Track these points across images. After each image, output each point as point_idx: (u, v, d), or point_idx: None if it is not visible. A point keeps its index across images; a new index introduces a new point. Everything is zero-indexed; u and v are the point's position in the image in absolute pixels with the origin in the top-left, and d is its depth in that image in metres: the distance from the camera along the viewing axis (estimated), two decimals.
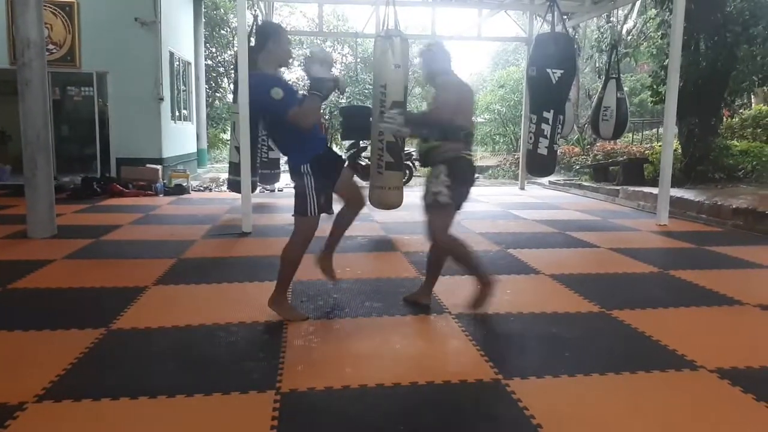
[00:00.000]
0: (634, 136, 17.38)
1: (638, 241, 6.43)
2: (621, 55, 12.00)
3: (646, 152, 12.50)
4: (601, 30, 15.69)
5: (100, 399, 2.55)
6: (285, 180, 10.15)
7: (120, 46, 10.74)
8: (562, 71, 6.90)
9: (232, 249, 5.81)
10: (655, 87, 10.88)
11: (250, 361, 3.03)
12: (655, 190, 8.03)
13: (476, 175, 3.93)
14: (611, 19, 14.59)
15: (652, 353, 3.16)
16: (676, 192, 8.40)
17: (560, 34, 7.42)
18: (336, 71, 3.89)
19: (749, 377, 2.85)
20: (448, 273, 4.85)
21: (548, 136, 7.00)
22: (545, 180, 12.26)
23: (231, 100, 10.01)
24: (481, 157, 24.61)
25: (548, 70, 6.84)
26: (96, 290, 4.28)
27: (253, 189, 8.11)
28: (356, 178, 4.39)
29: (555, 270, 4.92)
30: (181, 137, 13.18)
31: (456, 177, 3.61)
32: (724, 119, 12.22)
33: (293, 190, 3.60)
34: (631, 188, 9.74)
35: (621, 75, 10.29)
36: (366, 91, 20.01)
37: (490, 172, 17.39)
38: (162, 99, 11.20)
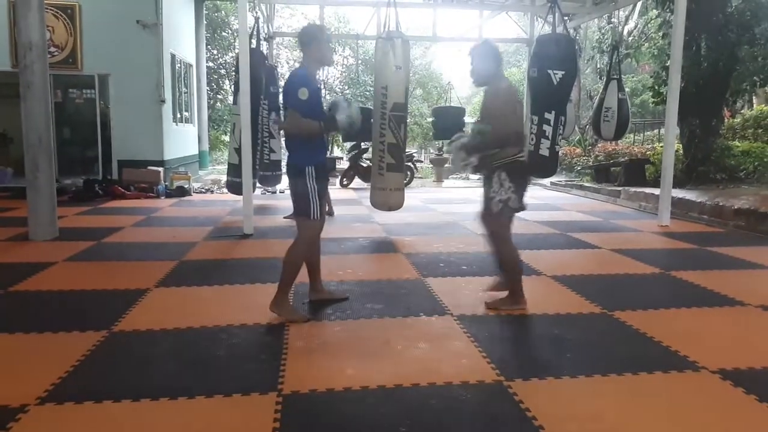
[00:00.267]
0: (636, 137, 17.35)
1: (640, 242, 6.42)
2: (622, 55, 12.01)
3: (648, 153, 12.47)
4: (602, 31, 15.69)
5: (102, 401, 2.55)
6: (286, 182, 10.17)
7: (122, 49, 10.76)
8: (563, 72, 6.90)
9: (234, 251, 5.82)
10: (656, 88, 10.87)
11: (251, 362, 3.03)
12: (656, 191, 8.02)
13: (530, 178, 3.97)
14: (612, 20, 14.60)
15: (653, 354, 3.15)
16: (678, 193, 8.39)
17: (561, 35, 7.42)
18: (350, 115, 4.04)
19: (751, 378, 2.84)
20: (449, 274, 4.87)
21: (550, 137, 7.00)
22: (547, 181, 12.25)
23: (232, 102, 10.01)
24: None
25: (549, 71, 6.84)
26: (98, 292, 4.29)
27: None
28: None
29: (557, 271, 4.91)
30: (182, 139, 13.20)
31: (517, 180, 3.67)
32: (726, 120, 12.21)
33: (293, 192, 3.64)
34: (633, 189, 9.73)
35: (622, 76, 10.28)
36: (367, 93, 20.03)
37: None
38: (163, 101, 11.21)
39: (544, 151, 7.04)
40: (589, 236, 6.56)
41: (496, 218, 3.77)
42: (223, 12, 21.74)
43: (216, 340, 3.31)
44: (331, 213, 7.24)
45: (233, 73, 12.33)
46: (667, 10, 10.30)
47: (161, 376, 2.86)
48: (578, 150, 15.70)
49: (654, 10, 12.73)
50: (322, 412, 2.51)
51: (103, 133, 11.16)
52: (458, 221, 7.62)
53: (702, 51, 9.98)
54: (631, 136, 16.73)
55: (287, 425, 2.37)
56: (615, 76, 9.82)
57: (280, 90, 8.16)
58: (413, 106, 22.37)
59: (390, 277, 4.77)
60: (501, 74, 3.78)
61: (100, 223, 7.36)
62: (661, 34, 11.62)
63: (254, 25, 8.89)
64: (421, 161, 16.90)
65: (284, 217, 7.65)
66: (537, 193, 11.60)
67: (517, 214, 3.85)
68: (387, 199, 6.70)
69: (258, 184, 9.32)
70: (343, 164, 12.49)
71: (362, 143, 11.76)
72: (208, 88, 18.38)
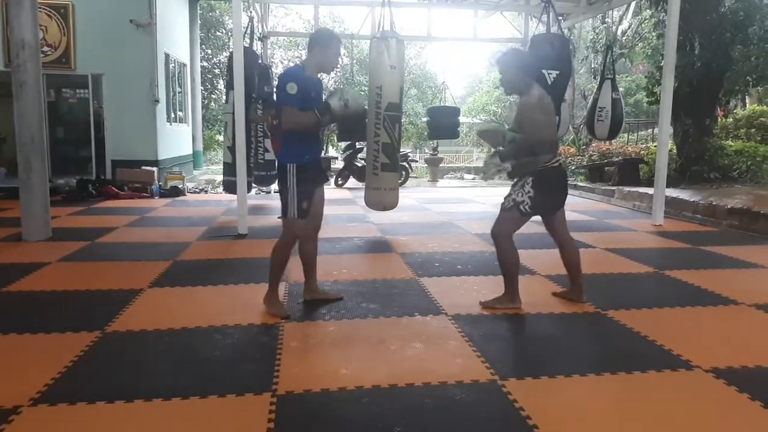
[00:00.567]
0: (630, 137, 17.41)
1: (634, 241, 6.45)
2: (616, 55, 12.04)
3: (642, 152, 12.52)
4: (597, 31, 15.75)
5: (95, 402, 2.54)
6: None
7: (115, 48, 10.72)
8: (557, 72, 6.92)
9: (228, 251, 5.81)
10: (650, 87, 10.91)
11: (246, 363, 3.02)
12: (650, 191, 8.05)
13: (567, 180, 3.98)
14: (606, 20, 14.65)
15: (647, 353, 3.16)
16: (672, 192, 8.43)
17: (555, 35, 7.44)
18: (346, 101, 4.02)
19: (744, 377, 2.86)
20: (444, 274, 4.87)
21: None
22: None
23: (226, 101, 10.00)
24: (477, 158, 24.60)
25: (544, 71, 6.85)
26: (91, 293, 4.27)
27: (248, 190, 8.09)
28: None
29: (551, 270, 4.92)
30: (176, 139, 13.16)
31: (542, 188, 3.67)
32: (719, 119, 12.26)
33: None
34: (627, 188, 9.77)
35: (616, 76, 10.31)
36: (362, 93, 20.02)
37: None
38: (157, 101, 11.18)
39: None
40: (583, 235, 6.57)
41: (503, 213, 3.78)
42: (217, 11, 21.71)
43: (210, 341, 3.30)
44: None
45: (227, 73, 12.31)
46: (661, 10, 10.35)
47: (155, 376, 2.85)
48: (572, 149, 15.73)
49: (648, 10, 12.78)
50: (316, 412, 2.51)
51: (97, 133, 11.12)
52: (453, 221, 7.63)
53: (695, 51, 10.02)
54: (625, 135, 16.79)
55: (282, 426, 2.37)
56: (609, 76, 9.85)
57: (273, 89, 8.18)
58: (408, 106, 22.38)
59: (385, 277, 4.77)
60: (531, 82, 3.73)
61: (94, 223, 7.33)
62: (654, 34, 11.67)
63: (248, 25, 8.87)
64: (416, 161, 16.89)
65: (278, 217, 7.63)
66: None
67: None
68: (382, 199, 6.70)
69: (253, 184, 9.30)
70: (338, 164, 12.49)
71: (357, 143, 11.75)
72: (202, 87, 18.34)
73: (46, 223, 6.25)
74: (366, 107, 4.11)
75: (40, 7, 6.80)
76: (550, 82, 6.88)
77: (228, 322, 3.58)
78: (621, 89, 11.38)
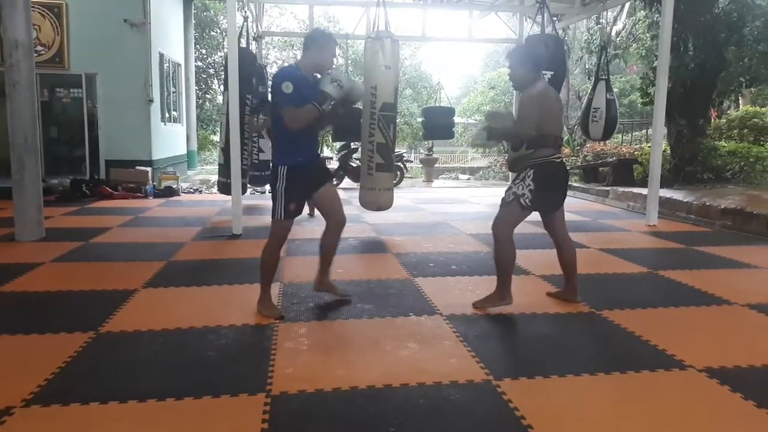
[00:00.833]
0: (624, 137, 17.46)
1: (628, 241, 6.47)
2: (610, 56, 12.08)
3: (636, 153, 12.56)
4: (591, 32, 15.79)
5: (88, 403, 2.53)
6: None
7: (109, 48, 10.67)
8: (552, 73, 6.94)
9: (223, 251, 5.79)
10: (644, 88, 10.95)
11: (240, 363, 3.01)
12: (644, 191, 8.08)
13: (567, 179, 3.98)
14: (601, 20, 14.68)
15: (641, 353, 3.17)
16: (665, 193, 8.46)
17: (550, 35, 7.47)
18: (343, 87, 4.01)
19: (738, 376, 2.87)
20: (439, 274, 4.88)
21: None
22: None
23: (221, 101, 9.98)
24: (471, 158, 24.63)
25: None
26: (85, 293, 4.25)
27: (243, 191, 8.07)
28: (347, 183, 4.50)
29: (545, 270, 4.94)
30: (170, 139, 13.12)
31: (542, 182, 3.67)
32: (712, 120, 12.32)
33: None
34: (621, 189, 9.80)
35: (610, 76, 10.34)
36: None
37: (481, 173, 17.46)
38: (152, 101, 11.14)
39: None
40: (577, 236, 6.57)
41: (503, 207, 3.78)
42: (211, 11, 21.65)
43: (204, 341, 3.29)
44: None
45: (222, 73, 12.28)
46: (655, 11, 10.38)
47: (149, 377, 2.84)
48: (567, 150, 15.77)
49: (642, 11, 12.82)
50: (311, 412, 2.50)
51: (91, 133, 11.07)
52: (448, 221, 7.63)
53: (689, 52, 10.07)
54: (620, 136, 16.84)
55: (276, 426, 2.36)
56: (603, 77, 9.88)
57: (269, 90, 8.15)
58: (403, 106, 22.40)
59: (380, 277, 4.76)
60: (538, 77, 3.75)
61: (88, 223, 7.30)
62: (648, 35, 11.70)
63: (243, 25, 8.86)
64: (411, 161, 16.92)
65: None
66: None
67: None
68: (376, 199, 6.70)
69: (248, 185, 9.28)
70: (333, 164, 12.48)
71: (352, 143, 11.74)
72: (196, 87, 18.29)
73: (40, 223, 6.22)
74: (361, 86, 4.08)
75: (33, 7, 6.77)
76: None
77: (222, 323, 3.57)
78: (615, 90, 11.40)
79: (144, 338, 3.35)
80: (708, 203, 7.71)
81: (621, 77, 22.50)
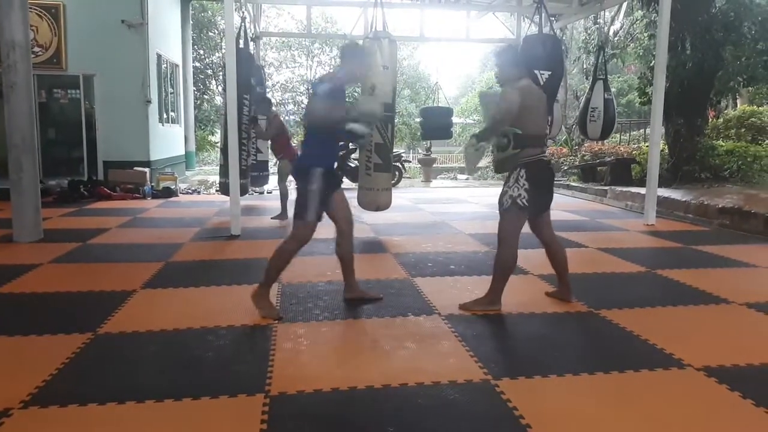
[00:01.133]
0: (622, 137, 17.47)
1: (626, 240, 6.47)
2: (608, 56, 12.08)
3: (634, 152, 12.57)
4: (589, 31, 15.80)
5: (86, 404, 2.53)
6: (273, 182, 10.13)
7: (107, 48, 10.66)
8: (549, 72, 6.95)
9: (221, 252, 5.79)
10: (642, 88, 10.96)
11: (239, 364, 3.01)
12: (642, 190, 8.09)
13: (554, 178, 3.99)
14: (598, 20, 14.70)
15: (640, 352, 3.18)
16: (663, 192, 8.47)
17: (548, 35, 7.47)
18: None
19: (736, 375, 2.87)
20: (437, 274, 4.88)
21: None
22: None
23: (220, 102, 9.97)
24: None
25: (536, 72, 6.88)
26: (83, 294, 4.25)
27: (243, 192, 8.07)
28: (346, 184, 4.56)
29: (543, 270, 4.92)
30: (168, 140, 13.11)
31: (535, 180, 3.68)
32: (710, 119, 12.33)
33: (295, 192, 3.72)
34: (619, 188, 9.81)
35: (608, 76, 10.35)
36: (355, 93, 20.00)
37: (479, 173, 17.43)
38: (149, 101, 11.13)
39: None
40: (575, 235, 6.60)
41: (504, 214, 3.78)
42: (209, 12, 21.62)
43: (203, 342, 3.29)
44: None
45: (220, 74, 12.27)
46: (653, 11, 10.39)
47: (147, 378, 2.84)
48: (565, 150, 15.79)
49: (639, 11, 12.83)
50: (309, 413, 2.50)
51: (89, 134, 11.07)
52: (446, 221, 7.63)
53: (687, 51, 10.08)
54: (618, 135, 16.85)
55: (274, 426, 2.36)
56: (601, 77, 9.89)
57: (266, 90, 8.16)
58: (401, 106, 22.40)
59: (378, 277, 4.76)
60: (522, 76, 3.78)
61: (86, 224, 7.29)
62: (646, 34, 11.72)
63: (240, 25, 8.85)
64: (410, 161, 16.91)
65: (271, 218, 7.62)
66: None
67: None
68: (375, 199, 6.70)
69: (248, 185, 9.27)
70: None
71: (350, 143, 11.74)
72: (194, 88, 18.27)
73: (38, 224, 6.21)
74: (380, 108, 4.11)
75: (30, 7, 6.76)
76: (542, 83, 6.91)
77: (221, 323, 3.57)
78: (613, 89, 11.42)
79: (142, 339, 3.35)
80: (706, 202, 7.72)
81: (619, 77, 22.52)
